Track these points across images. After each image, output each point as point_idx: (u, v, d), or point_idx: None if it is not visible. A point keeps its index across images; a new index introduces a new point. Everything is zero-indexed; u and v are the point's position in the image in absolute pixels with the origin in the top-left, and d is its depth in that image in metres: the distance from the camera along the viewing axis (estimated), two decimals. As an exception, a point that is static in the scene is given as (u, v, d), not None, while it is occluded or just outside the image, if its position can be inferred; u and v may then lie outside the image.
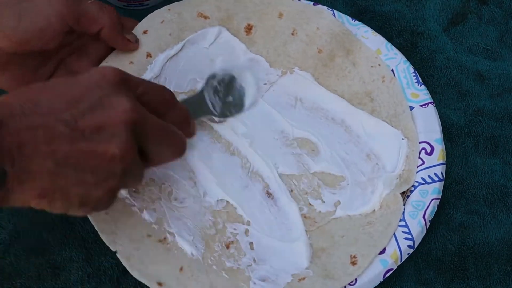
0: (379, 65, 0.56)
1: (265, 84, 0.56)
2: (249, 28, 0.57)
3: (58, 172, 0.37)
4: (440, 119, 0.54)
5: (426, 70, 0.60)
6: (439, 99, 0.59)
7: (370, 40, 0.57)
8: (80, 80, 0.40)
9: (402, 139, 0.53)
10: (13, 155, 0.35)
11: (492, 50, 0.62)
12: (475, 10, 0.64)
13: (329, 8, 0.58)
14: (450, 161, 0.56)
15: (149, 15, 0.56)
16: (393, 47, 0.57)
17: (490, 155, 0.57)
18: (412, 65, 0.56)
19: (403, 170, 0.51)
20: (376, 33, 0.57)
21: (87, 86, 0.39)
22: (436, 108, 0.54)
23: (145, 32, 0.55)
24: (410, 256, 0.49)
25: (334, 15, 0.57)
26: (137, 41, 0.54)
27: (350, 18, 0.58)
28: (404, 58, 0.56)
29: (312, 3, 0.58)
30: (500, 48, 0.62)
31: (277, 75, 0.56)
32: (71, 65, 0.53)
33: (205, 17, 0.57)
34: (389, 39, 0.61)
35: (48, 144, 0.36)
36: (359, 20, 0.58)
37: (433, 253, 0.52)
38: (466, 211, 0.54)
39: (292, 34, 0.57)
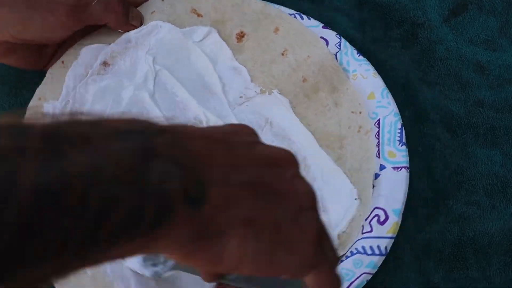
0: (360, 113, 0.53)
1: (240, 97, 0.55)
2: (241, 36, 0.56)
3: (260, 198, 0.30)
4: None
5: (426, 61, 0.60)
6: (439, 90, 0.59)
7: (368, 81, 0.54)
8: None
9: (355, 199, 0.49)
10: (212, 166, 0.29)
11: (492, 41, 0.62)
12: (476, 1, 0.64)
13: (338, 35, 0.56)
14: (450, 152, 0.56)
15: (143, 4, 0.56)
16: (389, 94, 0.53)
17: (490, 146, 0.57)
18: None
19: (343, 232, 0.48)
20: (377, 75, 0.54)
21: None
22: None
23: None
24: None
25: (340, 43, 0.55)
26: (142, 22, 0.56)
27: (355, 52, 0.55)
28: (396, 111, 0.53)
29: (321, 25, 0.56)
30: (500, 38, 0.62)
31: (255, 91, 0.55)
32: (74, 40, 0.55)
33: (199, 15, 0.56)
34: (389, 30, 0.61)
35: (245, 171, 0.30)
36: (360, 17, 0.58)
37: (432, 244, 0.52)
38: (465, 202, 0.54)
39: (282, 54, 0.56)
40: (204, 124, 0.52)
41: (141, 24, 0.55)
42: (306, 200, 0.32)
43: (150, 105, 0.54)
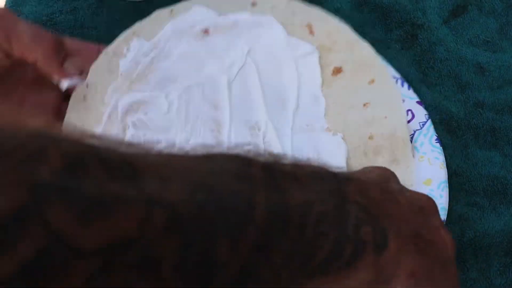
0: None
1: (307, 125, 0.53)
2: (338, 71, 0.54)
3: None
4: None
5: (426, 62, 0.60)
6: (439, 91, 0.59)
7: (432, 168, 0.52)
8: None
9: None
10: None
11: (492, 42, 0.62)
12: (476, 2, 0.64)
13: (427, 115, 0.54)
14: (450, 153, 0.56)
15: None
16: (446, 189, 0.51)
17: (490, 147, 0.57)
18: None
19: None
20: (444, 167, 0.52)
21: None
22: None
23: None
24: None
25: (425, 124, 0.53)
26: (82, 72, 0.49)
27: (435, 138, 0.53)
28: (445, 206, 0.50)
29: (416, 99, 0.54)
30: (500, 40, 0.62)
31: (322, 126, 0.53)
32: (33, 99, 0.49)
33: (311, 32, 0.55)
34: (389, 31, 0.60)
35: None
36: (360, 18, 0.58)
37: (433, 245, 0.52)
38: (466, 203, 0.54)
39: (364, 105, 0.53)
40: (259, 133, 0.52)
41: (80, 73, 0.49)
42: (450, 251, 0.33)
43: (222, 89, 0.53)
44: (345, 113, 0.53)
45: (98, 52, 0.52)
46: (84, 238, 0.19)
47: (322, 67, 0.55)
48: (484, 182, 0.55)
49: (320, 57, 0.55)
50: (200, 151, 0.26)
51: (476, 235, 0.52)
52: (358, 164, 0.51)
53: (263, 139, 0.52)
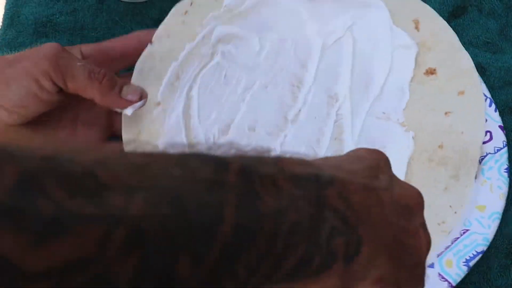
0: (455, 212, 0.49)
1: (383, 113, 0.53)
2: (431, 72, 0.54)
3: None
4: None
5: (426, 63, 0.60)
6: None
7: (492, 196, 0.50)
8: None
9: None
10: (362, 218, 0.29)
11: (492, 43, 0.62)
12: (476, 3, 0.64)
13: (505, 142, 0.53)
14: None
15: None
16: (497, 221, 0.50)
17: (491, 149, 0.57)
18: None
19: None
20: (504, 198, 0.51)
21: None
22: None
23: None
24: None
25: (500, 150, 0.52)
26: (143, 95, 0.48)
27: (505, 168, 0.51)
28: (489, 238, 0.50)
29: (499, 124, 0.54)
30: (500, 41, 0.62)
31: (398, 119, 0.52)
32: (87, 120, 0.51)
33: (417, 28, 0.55)
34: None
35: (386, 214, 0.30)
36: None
37: (433, 247, 0.52)
38: (466, 205, 0.54)
39: (446, 113, 0.52)
40: (335, 103, 0.52)
41: (140, 98, 0.48)
42: (424, 254, 0.32)
43: (315, 52, 0.54)
44: (425, 114, 0.52)
45: (139, 42, 0.52)
46: (35, 260, 0.18)
47: (417, 64, 0.54)
48: (484, 183, 0.55)
49: (417, 54, 0.54)
50: (177, 151, 0.25)
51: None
52: (418, 167, 0.50)
53: (337, 111, 0.52)
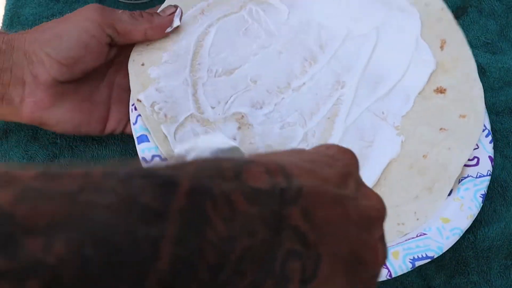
0: (417, 219, 0.49)
1: (383, 113, 0.53)
2: (441, 91, 0.54)
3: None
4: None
5: (427, 64, 0.60)
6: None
7: (459, 214, 0.49)
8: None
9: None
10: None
11: (492, 44, 0.62)
12: (476, 4, 0.64)
13: (490, 173, 0.51)
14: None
15: None
16: (453, 237, 0.48)
17: (490, 149, 0.57)
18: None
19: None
20: (472, 219, 0.49)
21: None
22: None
23: None
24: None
25: (484, 183, 0.51)
26: (176, 7, 0.52)
27: (482, 197, 0.50)
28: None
29: (490, 155, 0.52)
30: (500, 41, 0.62)
31: (394, 123, 0.52)
32: (123, 84, 0.53)
33: (442, 46, 0.55)
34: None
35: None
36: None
37: (433, 248, 0.52)
38: (466, 206, 0.54)
39: (440, 129, 0.52)
40: (339, 89, 0.53)
41: (175, 7, 0.52)
42: (379, 267, 0.31)
43: (337, 39, 0.55)
44: (420, 125, 0.52)
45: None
46: None
47: (430, 80, 0.54)
48: (484, 184, 0.55)
49: (434, 71, 0.54)
50: (122, 171, 0.22)
51: (477, 238, 0.53)
52: (396, 170, 0.50)
53: (340, 96, 0.53)
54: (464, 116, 0.52)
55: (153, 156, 0.47)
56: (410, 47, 0.55)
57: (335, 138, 0.50)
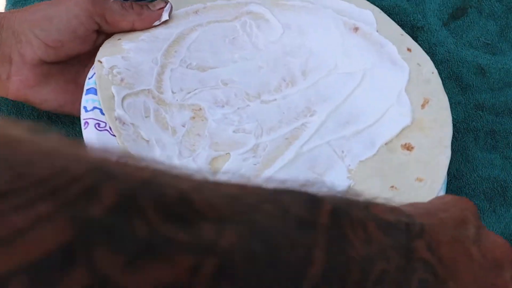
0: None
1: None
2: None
3: None
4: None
5: (426, 65, 0.60)
6: (439, 94, 0.59)
7: None
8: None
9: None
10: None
11: (492, 45, 0.62)
12: (476, 5, 0.64)
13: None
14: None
15: None
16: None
17: (490, 150, 0.57)
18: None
19: None
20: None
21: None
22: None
23: None
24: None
25: None
26: (166, 1, 0.53)
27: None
28: None
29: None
30: (500, 42, 0.62)
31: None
32: None
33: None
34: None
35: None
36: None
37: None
38: (466, 206, 0.54)
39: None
40: (310, 118, 0.52)
41: (166, 3, 0.53)
42: None
43: (324, 66, 0.55)
44: (374, 176, 0.50)
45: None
46: (128, 284, 0.18)
47: (400, 134, 0.52)
48: (484, 184, 0.55)
49: (407, 126, 0.52)
50: (271, 185, 0.24)
51: (476, 237, 0.52)
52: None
53: (305, 122, 0.51)
54: (421, 180, 0.50)
55: (94, 108, 0.47)
56: (391, 97, 0.53)
57: (285, 159, 0.49)
